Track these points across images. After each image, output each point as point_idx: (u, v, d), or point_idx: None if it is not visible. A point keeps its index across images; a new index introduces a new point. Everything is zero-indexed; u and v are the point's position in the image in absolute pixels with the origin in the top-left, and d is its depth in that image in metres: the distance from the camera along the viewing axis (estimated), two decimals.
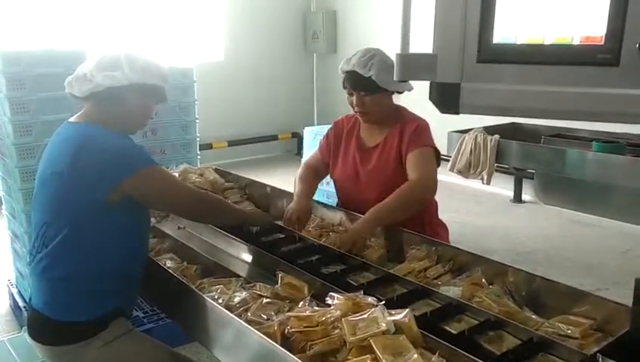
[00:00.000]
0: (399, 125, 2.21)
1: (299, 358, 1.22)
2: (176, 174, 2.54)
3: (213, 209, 1.93)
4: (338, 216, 2.25)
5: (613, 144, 4.00)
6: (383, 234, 2.02)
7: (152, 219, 2.21)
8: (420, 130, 2.19)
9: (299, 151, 6.85)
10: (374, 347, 1.18)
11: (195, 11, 6.41)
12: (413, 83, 2.04)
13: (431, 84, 0.97)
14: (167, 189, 1.80)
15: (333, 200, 2.57)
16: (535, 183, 4.92)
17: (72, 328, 1.66)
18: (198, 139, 3.50)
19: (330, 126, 2.47)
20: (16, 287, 3.19)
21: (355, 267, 1.79)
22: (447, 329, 1.41)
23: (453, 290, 1.61)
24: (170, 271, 1.84)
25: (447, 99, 0.95)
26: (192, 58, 5.15)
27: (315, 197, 2.39)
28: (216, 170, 2.72)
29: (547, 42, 0.88)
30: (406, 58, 0.96)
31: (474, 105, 0.95)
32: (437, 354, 1.23)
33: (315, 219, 2.26)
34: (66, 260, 1.67)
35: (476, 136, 4.53)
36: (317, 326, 1.31)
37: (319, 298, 1.50)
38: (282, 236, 2.09)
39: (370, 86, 2.12)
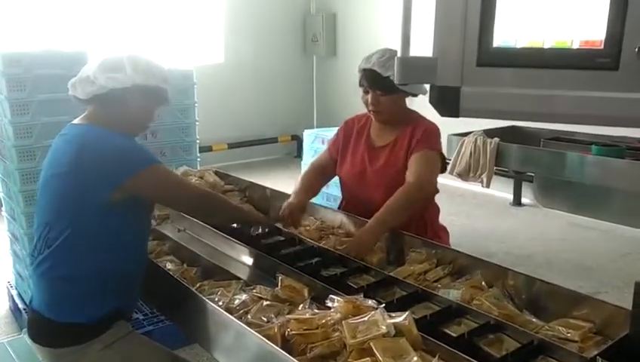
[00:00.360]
0: (410, 127, 2.22)
1: (299, 361, 1.23)
2: None
3: (215, 205, 1.94)
4: (338, 219, 2.25)
5: (612, 147, 4.00)
6: (383, 236, 2.02)
7: (152, 222, 2.21)
8: (429, 133, 2.20)
9: (299, 154, 6.85)
10: (374, 349, 1.18)
11: (194, 13, 6.41)
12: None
13: (431, 87, 0.97)
14: (171, 187, 1.82)
15: (333, 203, 2.57)
16: (534, 186, 4.93)
17: (73, 330, 1.66)
18: (197, 141, 3.50)
19: (338, 126, 2.47)
20: (16, 289, 3.19)
21: (355, 270, 1.79)
22: (447, 332, 1.41)
23: (453, 293, 1.61)
24: (171, 273, 1.85)
25: (447, 102, 0.96)
26: (192, 60, 5.15)
27: (315, 200, 2.39)
28: (216, 173, 2.73)
29: (547, 46, 0.88)
30: (406, 61, 0.96)
31: (474, 109, 0.95)
32: (437, 356, 1.23)
33: (315, 222, 2.26)
34: (68, 260, 1.68)
35: (476, 139, 4.53)
36: (317, 328, 1.31)
37: (319, 300, 1.50)
38: (282, 238, 2.09)
39: (388, 86, 2.12)
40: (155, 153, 3.19)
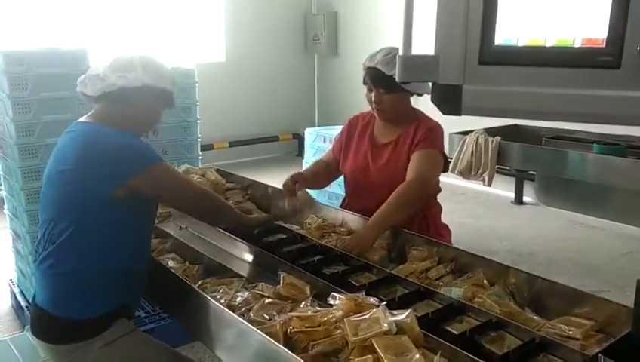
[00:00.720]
0: (414, 125, 2.23)
1: (301, 358, 1.23)
2: None
3: (217, 206, 1.96)
4: (340, 217, 2.26)
5: (614, 146, 4.00)
6: (385, 234, 2.02)
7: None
8: (432, 132, 2.20)
9: (300, 153, 6.85)
10: (376, 347, 1.19)
11: (196, 12, 6.41)
12: None
13: (433, 85, 0.97)
14: (175, 184, 1.83)
15: (335, 202, 2.58)
16: (536, 185, 4.92)
17: (75, 326, 1.67)
18: (199, 139, 3.50)
19: (338, 126, 2.50)
20: (18, 287, 3.20)
21: (357, 267, 1.79)
22: (449, 329, 1.41)
23: (454, 291, 1.61)
24: (173, 271, 1.85)
25: (448, 100, 0.96)
26: (194, 59, 5.15)
27: (318, 199, 2.40)
28: (218, 171, 2.73)
29: (549, 44, 0.88)
30: (408, 60, 0.96)
31: (476, 107, 0.95)
32: (438, 354, 1.23)
33: (317, 220, 2.26)
34: (72, 257, 1.69)
35: (477, 138, 4.53)
36: (319, 326, 1.32)
37: (321, 298, 1.50)
38: (284, 236, 2.09)
39: (391, 84, 2.12)
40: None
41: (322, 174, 2.45)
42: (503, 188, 5.30)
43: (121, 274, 1.73)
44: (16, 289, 3.19)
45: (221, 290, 1.67)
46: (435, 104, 0.98)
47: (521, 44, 0.89)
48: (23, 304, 3.01)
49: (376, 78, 2.16)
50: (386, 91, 2.16)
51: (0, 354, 2.39)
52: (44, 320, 1.72)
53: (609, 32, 0.84)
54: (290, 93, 7.30)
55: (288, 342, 1.33)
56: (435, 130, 2.22)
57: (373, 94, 2.20)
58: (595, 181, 4.09)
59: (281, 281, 1.63)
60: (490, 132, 4.57)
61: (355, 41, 6.71)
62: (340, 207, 2.41)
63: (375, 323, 1.24)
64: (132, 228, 1.75)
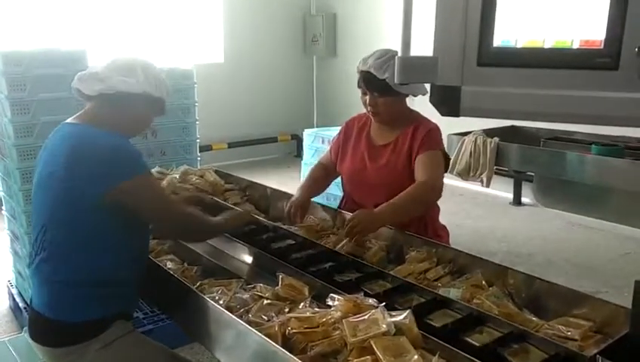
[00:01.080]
0: (412, 127, 2.23)
1: (299, 359, 1.23)
2: (177, 176, 2.55)
3: (198, 229, 1.87)
4: (338, 218, 2.25)
5: (612, 147, 4.01)
6: (383, 235, 2.02)
7: None
8: (432, 133, 2.22)
9: (298, 153, 6.86)
10: (375, 348, 1.19)
11: (194, 13, 6.41)
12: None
13: (432, 86, 0.97)
14: (159, 199, 1.75)
15: (334, 202, 2.58)
16: (534, 186, 4.93)
17: (73, 329, 1.65)
18: (198, 140, 3.50)
19: (337, 128, 2.50)
20: (17, 288, 3.19)
21: (371, 275, 1.75)
22: (469, 340, 1.38)
23: (453, 292, 1.62)
24: (171, 272, 1.85)
25: (447, 101, 0.96)
26: (192, 60, 5.15)
27: (315, 199, 2.40)
28: (217, 172, 2.73)
29: (547, 46, 0.88)
30: (407, 61, 0.97)
31: (474, 108, 0.96)
32: (437, 355, 1.24)
33: (315, 221, 2.26)
34: (66, 262, 1.66)
35: (476, 139, 4.53)
36: (318, 327, 1.32)
37: (320, 299, 1.50)
38: (293, 242, 2.04)
39: (385, 88, 2.13)
40: (155, 152, 3.22)
41: (321, 179, 2.46)
42: (502, 189, 5.30)
43: (115, 280, 1.70)
44: (14, 291, 3.18)
45: (220, 291, 1.67)
46: (434, 105, 0.98)
47: (519, 45, 0.90)
48: (21, 305, 3.01)
49: (369, 82, 2.17)
50: (380, 95, 2.17)
51: None
52: (40, 324, 1.70)
53: (607, 34, 0.84)
54: (288, 94, 7.30)
55: (287, 342, 1.33)
56: (434, 131, 2.23)
57: (367, 98, 2.21)
58: (593, 182, 4.10)
59: (280, 282, 1.63)
60: (489, 133, 4.58)
61: (354, 43, 6.72)
62: (339, 207, 2.42)
63: (374, 324, 1.24)
64: (125, 232, 1.70)
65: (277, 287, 1.62)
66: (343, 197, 2.47)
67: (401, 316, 1.27)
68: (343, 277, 1.74)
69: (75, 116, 1.79)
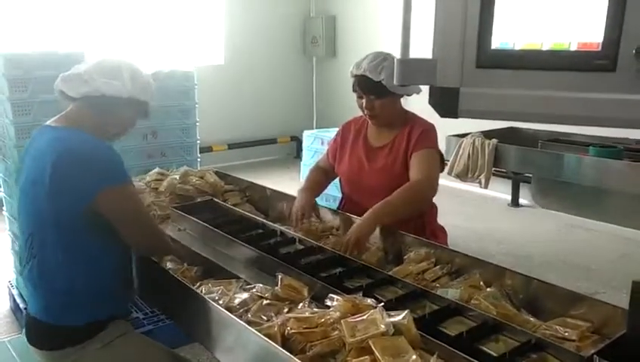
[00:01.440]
0: (408, 128, 2.25)
1: (298, 359, 1.23)
2: (177, 177, 2.56)
3: (162, 248, 1.90)
4: (338, 219, 2.26)
5: (610, 149, 4.01)
6: (382, 236, 2.03)
7: None
8: (427, 133, 2.23)
9: (298, 155, 6.86)
10: (373, 348, 1.19)
11: (195, 15, 6.42)
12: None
13: (430, 88, 0.98)
14: (137, 211, 1.73)
15: (333, 203, 2.59)
16: (532, 187, 4.92)
17: (69, 331, 1.65)
18: (198, 141, 3.51)
19: (337, 129, 2.51)
20: (17, 289, 3.19)
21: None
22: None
23: (451, 292, 1.62)
24: (171, 272, 1.85)
25: (446, 103, 0.97)
26: (193, 61, 5.16)
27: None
28: (217, 173, 2.74)
29: (545, 48, 0.89)
30: (406, 63, 0.97)
31: (473, 110, 0.96)
32: (435, 355, 1.24)
33: (314, 222, 2.27)
34: (53, 272, 1.65)
35: (474, 141, 4.54)
36: (317, 327, 1.32)
37: (319, 299, 1.51)
38: (302, 247, 2.02)
39: (380, 90, 2.14)
40: (155, 153, 3.23)
41: (320, 181, 2.48)
42: (500, 191, 5.31)
43: (104, 287, 1.69)
44: (14, 291, 3.18)
45: (219, 291, 1.67)
46: (433, 106, 0.99)
47: (517, 47, 0.91)
48: (21, 306, 3.01)
49: (365, 85, 2.18)
50: (377, 97, 2.19)
51: None
52: (37, 328, 1.70)
53: (605, 36, 0.85)
54: (288, 96, 7.31)
55: (286, 343, 1.33)
56: (430, 130, 2.25)
57: (364, 101, 2.22)
58: (591, 183, 4.10)
59: (279, 282, 1.63)
60: (487, 134, 4.58)
61: (353, 44, 6.73)
62: (338, 208, 2.43)
63: (372, 325, 1.25)
64: (110, 245, 1.68)
65: (276, 288, 1.62)
66: (342, 199, 2.48)
67: (400, 316, 1.27)
68: (353, 283, 1.72)
69: (57, 117, 1.75)
